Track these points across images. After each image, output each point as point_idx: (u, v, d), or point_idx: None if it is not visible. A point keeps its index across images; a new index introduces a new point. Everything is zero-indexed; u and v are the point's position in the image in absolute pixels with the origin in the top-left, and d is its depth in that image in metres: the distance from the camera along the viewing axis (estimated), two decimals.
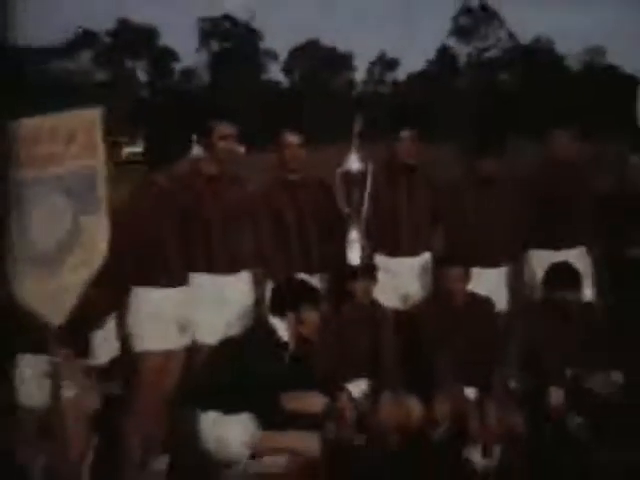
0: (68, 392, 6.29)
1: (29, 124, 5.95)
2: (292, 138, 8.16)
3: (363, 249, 7.87)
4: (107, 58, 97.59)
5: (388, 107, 53.01)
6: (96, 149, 6.13)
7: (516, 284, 8.77)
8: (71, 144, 6.10)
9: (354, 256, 7.76)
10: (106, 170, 6.28)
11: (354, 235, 7.72)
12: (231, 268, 7.68)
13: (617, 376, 8.02)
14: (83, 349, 6.92)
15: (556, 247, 8.56)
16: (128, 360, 7.32)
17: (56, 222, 6.00)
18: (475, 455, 7.39)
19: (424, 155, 8.57)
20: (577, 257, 8.49)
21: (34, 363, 6.38)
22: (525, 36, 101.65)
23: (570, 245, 8.60)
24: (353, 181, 7.52)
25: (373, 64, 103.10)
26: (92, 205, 6.09)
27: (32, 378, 6.45)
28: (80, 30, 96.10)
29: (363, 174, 7.55)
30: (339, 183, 7.58)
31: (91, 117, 6.21)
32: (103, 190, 6.16)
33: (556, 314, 8.16)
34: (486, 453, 7.41)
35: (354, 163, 7.48)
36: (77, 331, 6.50)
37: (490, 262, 8.39)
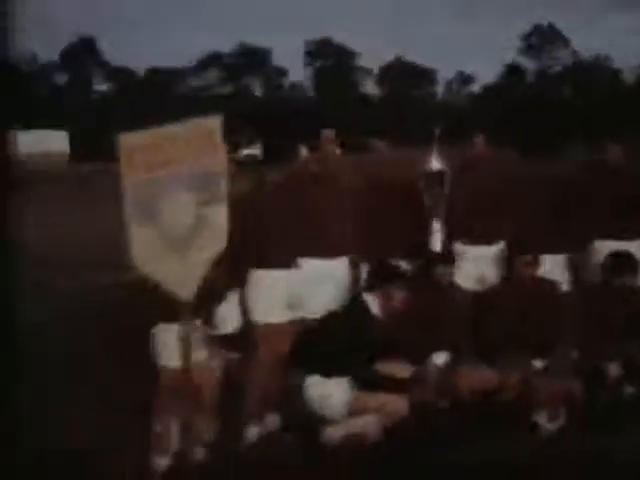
0: (198, 356, 6.62)
1: (160, 132, 6.31)
2: (379, 142, 8.34)
3: (443, 238, 8.19)
4: (229, 75, 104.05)
5: (464, 116, 52.40)
6: (217, 151, 6.47)
7: (583, 270, 8.90)
8: (196, 147, 6.37)
9: (436, 244, 8.09)
10: (226, 169, 6.53)
11: (436, 226, 8.03)
12: (334, 254, 7.90)
13: None
14: (209, 320, 7.15)
15: (619, 238, 8.61)
16: (248, 330, 7.60)
17: (183, 213, 6.27)
18: (542, 419, 7.52)
19: (496, 157, 8.87)
20: (637, 248, 8.57)
21: (170, 331, 6.52)
22: (586, 53, 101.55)
23: (631, 238, 8.66)
24: (434, 179, 7.70)
25: (451, 80, 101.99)
26: (214, 198, 6.39)
27: (170, 343, 6.62)
28: (208, 51, 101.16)
29: (443, 173, 7.67)
30: (423, 181, 7.65)
31: (213, 124, 6.51)
32: (224, 186, 6.46)
33: (615, 296, 8.27)
34: (552, 417, 7.52)
35: (435, 164, 7.65)
36: (203, 304, 6.72)
37: (557, 250, 8.50)
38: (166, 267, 6.23)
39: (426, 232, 8.06)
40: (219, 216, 6.46)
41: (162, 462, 6.78)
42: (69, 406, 8.05)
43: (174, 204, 6.23)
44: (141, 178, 6.12)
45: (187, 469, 6.47)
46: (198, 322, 6.91)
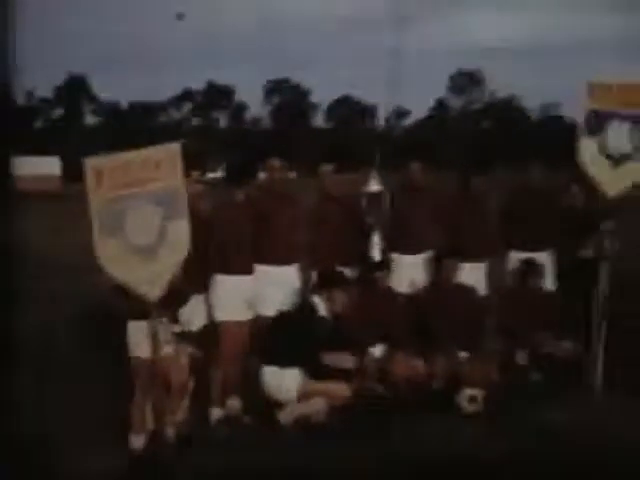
0: (166, 349, 6.91)
1: (125, 156, 6.79)
2: (327, 167, 8.72)
3: (381, 249, 8.49)
4: (199, 109, 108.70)
5: (401, 145, 53.08)
6: (177, 173, 6.81)
7: (499, 275, 9.28)
8: (158, 169, 6.77)
9: (375, 254, 8.40)
10: (185, 188, 6.86)
11: (375, 238, 8.38)
12: (286, 262, 8.15)
13: (570, 343, 8.63)
14: (175, 318, 7.37)
15: (529, 249, 9.00)
16: (212, 327, 7.87)
17: (147, 225, 6.66)
18: (464, 401, 7.87)
19: (429, 179, 9.03)
20: (544, 258, 9.02)
21: (142, 327, 6.75)
22: (501, 93, 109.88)
23: (539, 248, 9.05)
24: (373, 199, 8.04)
25: (390, 114, 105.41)
26: (176, 213, 6.74)
27: (141, 338, 6.84)
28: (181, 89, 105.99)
29: (381, 194, 7.98)
30: (364, 200, 7.96)
31: (173, 150, 6.90)
32: (184, 203, 6.81)
33: (524, 297, 8.80)
34: (472, 400, 7.86)
35: (374, 186, 7.95)
36: (170, 304, 7.03)
37: (477, 258, 8.82)
38: (133, 271, 6.61)
39: (367, 244, 8.36)
40: (181, 229, 6.78)
41: (137, 441, 6.99)
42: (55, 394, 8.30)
43: (139, 218, 6.62)
44: (108, 196, 6.58)
45: (159, 447, 6.73)
46: (165, 320, 7.09)
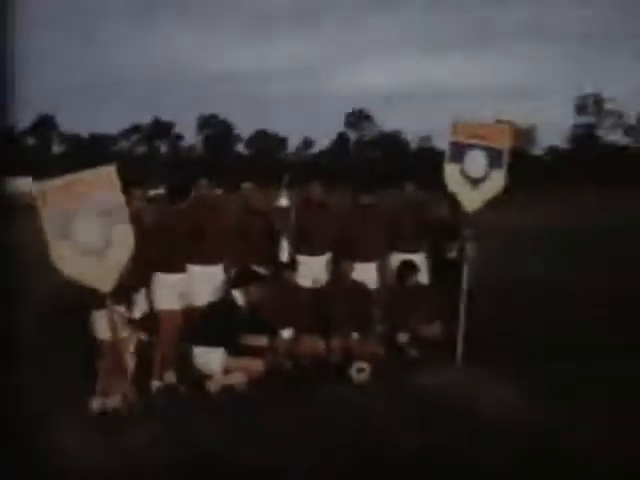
0: (123, 333, 7.48)
1: (70, 177, 7.24)
2: (247, 185, 9.35)
3: (289, 252, 8.91)
4: (145, 140, 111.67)
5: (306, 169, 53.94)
6: (116, 189, 7.25)
7: (383, 273, 9.57)
8: (98, 186, 7.19)
9: (284, 256, 8.85)
10: (124, 200, 7.28)
11: (284, 243, 8.81)
12: (213, 262, 8.58)
13: (439, 326, 9.18)
14: (130, 306, 7.96)
15: (407, 251, 9.47)
16: (153, 315, 8.26)
17: (94, 231, 7.10)
18: (354, 373, 8.23)
19: (327, 196, 9.53)
20: (419, 258, 9.53)
21: (102, 315, 7.33)
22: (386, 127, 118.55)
23: (415, 250, 9.50)
24: (282, 212, 8.31)
25: (299, 145, 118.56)
26: (119, 220, 7.20)
27: (102, 323, 7.42)
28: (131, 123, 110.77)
29: (288, 208, 8.24)
30: (275, 212, 8.20)
31: (110, 170, 7.35)
32: (125, 211, 7.27)
33: (403, 290, 9.28)
34: (360, 371, 8.23)
35: (283, 201, 8.21)
36: (123, 295, 7.62)
37: (369, 258, 9.29)
38: (83, 270, 7.10)
39: (277, 248, 8.85)
40: (125, 233, 7.26)
41: (96, 404, 7.38)
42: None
43: (86, 226, 7.09)
44: (56, 210, 7.05)
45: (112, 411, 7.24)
46: (121, 308, 7.71)
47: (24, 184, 70.89)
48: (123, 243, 7.23)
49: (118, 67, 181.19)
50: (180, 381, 8.14)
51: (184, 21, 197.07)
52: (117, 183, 7.28)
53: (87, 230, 7.07)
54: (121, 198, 7.29)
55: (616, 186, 64.95)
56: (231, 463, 6.09)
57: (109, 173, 7.34)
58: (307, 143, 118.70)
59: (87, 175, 7.31)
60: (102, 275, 7.14)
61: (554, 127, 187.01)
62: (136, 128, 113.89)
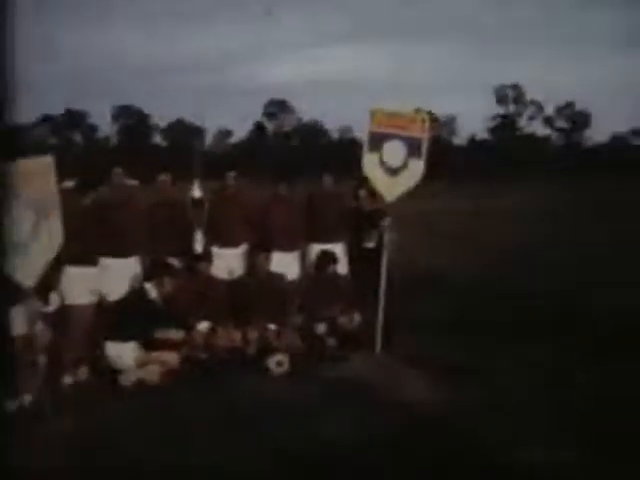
0: (36, 327, 7.21)
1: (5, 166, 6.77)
2: (162, 177, 8.99)
3: (204, 243, 8.84)
4: (60, 130, 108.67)
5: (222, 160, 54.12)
6: (50, 181, 6.98)
7: (303, 264, 9.57)
8: (32, 178, 6.80)
9: (198, 247, 8.80)
10: (57, 193, 7.05)
11: (198, 235, 8.74)
12: (126, 254, 8.40)
13: (358, 316, 9.08)
14: (46, 302, 7.67)
15: (324, 242, 9.33)
16: (64, 310, 7.98)
17: (25, 224, 6.71)
18: (272, 365, 8.20)
19: (242, 187, 9.35)
20: (338, 248, 9.43)
21: (20, 310, 7.04)
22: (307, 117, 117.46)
23: (334, 240, 9.40)
24: (196, 203, 8.16)
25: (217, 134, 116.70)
26: (49, 214, 6.90)
27: (20, 318, 7.11)
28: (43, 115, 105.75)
29: (202, 199, 8.14)
30: (188, 203, 8.09)
31: (47, 161, 7.08)
32: (57, 205, 7.00)
33: (322, 280, 9.16)
34: (279, 364, 8.20)
35: (197, 192, 8.09)
36: (43, 290, 7.41)
37: (288, 249, 9.22)
38: (8, 262, 6.54)
39: (191, 239, 8.64)
40: (53, 228, 6.98)
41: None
42: None
43: (16, 217, 6.58)
44: None
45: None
46: (40, 302, 7.47)
47: None
48: (51, 238, 6.96)
49: (29, 55, 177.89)
50: (93, 376, 7.90)
51: (101, 14, 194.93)
52: (53, 175, 6.99)
53: (15, 222, 6.58)
54: (55, 191, 7.01)
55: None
56: (147, 461, 5.86)
57: (46, 164, 7.04)
58: (224, 133, 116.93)
59: (23, 165, 6.84)
60: (26, 269, 6.80)
61: (474, 118, 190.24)
62: (48, 119, 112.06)
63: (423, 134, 8.97)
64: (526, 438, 6.22)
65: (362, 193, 9.62)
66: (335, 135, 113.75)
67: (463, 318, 10.10)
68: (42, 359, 7.36)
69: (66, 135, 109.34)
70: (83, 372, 7.98)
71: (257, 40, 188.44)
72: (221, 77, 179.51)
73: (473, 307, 10.80)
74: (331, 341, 8.95)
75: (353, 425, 6.64)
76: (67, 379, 7.87)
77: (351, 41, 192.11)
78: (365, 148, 8.88)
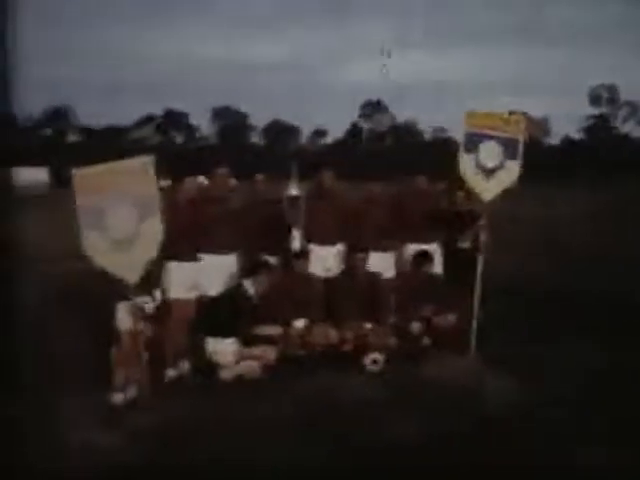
0: (141, 324, 7.41)
1: (106, 166, 7.13)
2: (260, 176, 9.28)
3: (301, 241, 8.88)
4: (161, 130, 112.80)
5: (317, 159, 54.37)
6: (150, 179, 7.21)
7: (398, 263, 9.46)
8: (134, 176, 7.10)
9: (295, 245, 8.83)
10: (157, 192, 7.27)
11: (295, 233, 8.81)
12: (224, 251, 8.52)
13: (452, 316, 9.02)
14: (153, 296, 7.87)
15: (419, 241, 9.37)
16: (166, 304, 8.14)
17: (126, 222, 7.03)
18: (368, 362, 8.29)
19: (340, 186, 9.52)
20: (433, 248, 9.43)
21: (125, 306, 7.42)
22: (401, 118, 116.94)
23: (429, 240, 9.39)
24: (293, 201, 8.24)
25: (311, 134, 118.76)
26: (150, 212, 7.15)
27: (124, 315, 7.49)
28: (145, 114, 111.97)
29: (299, 197, 8.26)
30: (286, 202, 8.10)
31: (147, 161, 7.29)
32: (157, 203, 7.24)
33: (419, 279, 9.12)
34: (374, 362, 8.27)
35: (293, 191, 8.12)
36: (149, 286, 7.67)
37: (383, 249, 9.23)
38: (112, 259, 7.03)
39: (288, 237, 8.87)
40: (155, 226, 7.21)
41: (117, 398, 7.31)
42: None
43: (119, 216, 6.99)
44: (91, 198, 6.91)
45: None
46: (148, 298, 7.71)
47: (39, 174, 73.02)
48: (153, 236, 7.21)
49: (132, 60, 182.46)
50: (193, 370, 8.08)
51: (198, 13, 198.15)
52: (153, 175, 7.25)
53: (119, 220, 7.01)
54: (155, 190, 7.26)
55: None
56: (244, 454, 6.02)
57: (145, 164, 7.27)
58: (320, 133, 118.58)
59: (123, 164, 7.24)
60: (130, 266, 7.12)
61: (567, 119, 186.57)
62: (149, 119, 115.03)
63: (519, 134, 8.95)
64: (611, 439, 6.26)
65: (458, 193, 9.62)
66: (428, 136, 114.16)
67: (552, 321, 9.86)
68: (145, 353, 7.53)
69: (167, 135, 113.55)
70: (185, 366, 8.13)
71: (352, 40, 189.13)
72: (316, 77, 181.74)
73: (562, 310, 10.43)
74: (425, 340, 8.95)
75: (442, 424, 6.60)
76: (170, 372, 8.03)
77: (443, 43, 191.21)
78: (461, 149, 8.87)
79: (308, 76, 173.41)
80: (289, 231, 8.82)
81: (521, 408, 7.07)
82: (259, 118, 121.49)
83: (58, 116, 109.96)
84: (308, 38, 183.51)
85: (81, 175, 7.03)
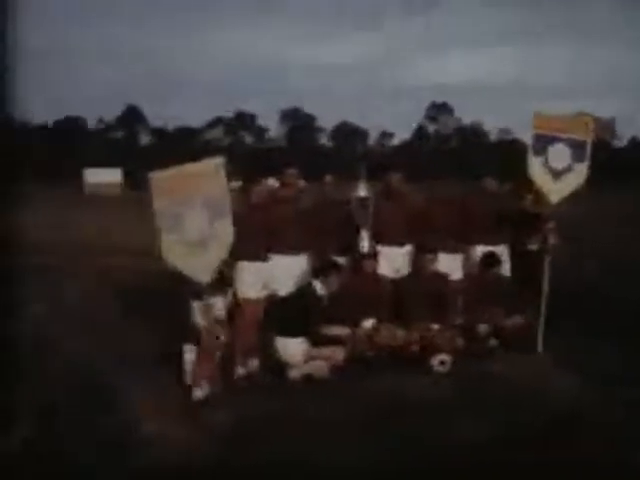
0: (214, 323, 7.62)
1: (180, 169, 7.33)
2: (329, 177, 9.34)
3: (370, 242, 8.78)
4: (232, 131, 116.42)
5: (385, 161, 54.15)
6: (221, 181, 7.37)
7: (466, 265, 9.45)
8: (206, 178, 7.27)
9: (364, 246, 8.72)
10: (228, 193, 7.41)
11: (364, 234, 8.69)
12: (294, 251, 8.62)
13: (520, 318, 9.06)
14: (227, 296, 8.08)
15: (487, 243, 9.31)
16: (236, 303, 8.32)
17: (199, 224, 7.22)
18: (435, 363, 8.31)
19: (407, 187, 9.47)
20: (500, 250, 9.38)
21: (200, 305, 7.61)
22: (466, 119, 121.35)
23: (496, 242, 9.34)
24: (361, 202, 8.22)
25: (378, 136, 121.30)
26: (222, 214, 7.31)
27: (197, 312, 7.72)
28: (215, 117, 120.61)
29: (367, 198, 8.34)
30: (354, 203, 8.13)
31: (218, 163, 7.45)
32: (228, 205, 7.40)
33: (486, 281, 9.11)
34: (442, 363, 8.31)
35: (362, 191, 8.13)
36: (222, 285, 7.87)
37: (451, 250, 9.21)
38: (187, 261, 7.24)
39: (357, 238, 8.77)
40: (226, 227, 7.38)
41: (199, 393, 7.44)
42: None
43: (193, 219, 7.19)
44: (167, 201, 7.13)
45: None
46: (220, 298, 7.88)
47: (112, 175, 74.86)
48: (224, 237, 7.37)
49: (199, 62, 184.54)
50: (262, 369, 8.23)
51: (262, 14, 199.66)
52: (223, 176, 7.41)
53: (193, 222, 7.19)
54: (226, 191, 7.43)
55: None
56: (311, 454, 6.04)
57: (216, 166, 7.44)
58: (386, 135, 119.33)
59: (195, 167, 7.44)
60: (203, 267, 7.30)
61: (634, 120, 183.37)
62: (219, 120, 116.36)
63: (587, 137, 9.01)
64: None
65: (526, 195, 9.66)
66: (493, 137, 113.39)
67: (618, 325, 9.69)
68: (218, 351, 7.74)
69: (236, 136, 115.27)
70: (254, 364, 8.29)
71: (417, 40, 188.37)
72: (380, 79, 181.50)
73: (628, 315, 10.30)
74: (493, 342, 8.99)
75: (510, 425, 6.59)
76: (240, 370, 8.19)
77: (508, 43, 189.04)
78: (530, 151, 8.86)
79: (374, 78, 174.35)
80: (358, 232, 8.73)
81: (588, 408, 7.00)
82: (327, 120, 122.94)
83: (129, 117, 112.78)
84: (373, 39, 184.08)
85: (157, 178, 7.23)
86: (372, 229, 8.89)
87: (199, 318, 7.73)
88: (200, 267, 7.29)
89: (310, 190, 9.69)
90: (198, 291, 7.48)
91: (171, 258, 7.24)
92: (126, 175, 72.34)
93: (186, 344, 7.83)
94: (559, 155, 8.87)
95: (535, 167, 8.86)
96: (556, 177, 8.87)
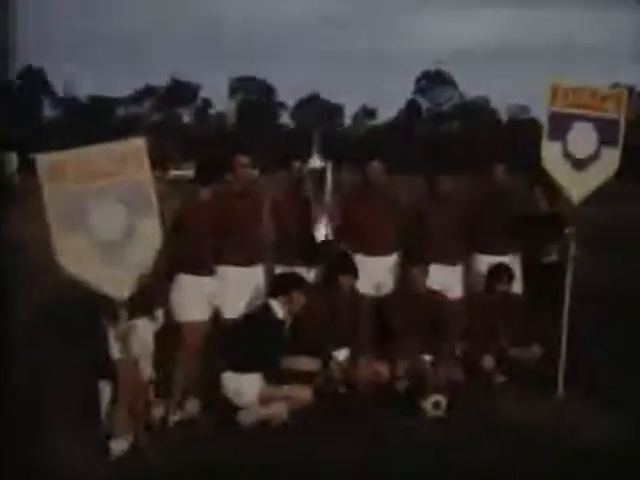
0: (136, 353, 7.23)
1: (86, 150, 6.97)
2: (297, 164, 8.99)
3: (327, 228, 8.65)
4: (161, 105, 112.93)
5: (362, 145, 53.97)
6: (143, 168, 7.02)
7: (467, 279, 9.40)
8: (122, 163, 6.96)
9: (320, 233, 8.63)
10: (153, 184, 7.03)
11: (318, 215, 8.60)
12: (248, 262, 8.44)
13: (537, 347, 8.89)
14: (152, 316, 7.67)
15: (493, 252, 9.19)
16: (172, 328, 7.96)
17: (113, 222, 6.85)
18: (428, 406, 8.03)
19: (392, 181, 9.31)
20: (510, 262, 9.16)
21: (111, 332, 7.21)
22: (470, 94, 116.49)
23: (505, 251, 9.23)
24: (315, 175, 8.53)
25: (357, 113, 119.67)
26: (144, 210, 6.94)
27: (112, 340, 7.22)
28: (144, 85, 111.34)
29: (324, 169, 8.62)
30: (306, 177, 8.66)
31: (138, 144, 7.12)
32: (153, 199, 7.02)
33: (493, 301, 9.00)
34: (436, 405, 8.02)
35: (317, 161, 8.70)
36: (144, 302, 7.30)
37: (448, 261, 9.07)
38: (96, 270, 6.79)
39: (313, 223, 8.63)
40: (150, 227, 6.96)
41: (117, 446, 7.16)
42: None
43: (104, 214, 6.82)
44: (64, 191, 6.74)
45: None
46: (144, 319, 7.46)
47: (7, 161, 71.64)
48: (148, 239, 6.93)
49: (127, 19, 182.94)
50: (204, 409, 7.91)
51: None
52: (146, 162, 6.98)
53: (103, 219, 6.77)
54: (150, 181, 6.98)
55: None
56: None
57: (136, 148, 7.03)
58: (367, 112, 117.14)
59: (107, 149, 6.98)
60: (118, 278, 6.81)
61: None
62: (150, 91, 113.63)
63: (620, 115, 8.59)
64: None
65: (539, 192, 9.36)
66: (503, 115, 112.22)
67: None
68: (142, 391, 7.39)
69: (172, 110, 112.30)
70: (194, 407, 7.91)
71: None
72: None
73: None
74: (500, 378, 8.72)
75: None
76: (173, 416, 7.80)
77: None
78: (544, 134, 8.45)
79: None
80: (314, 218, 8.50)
81: (619, 460, 6.84)
82: (289, 93, 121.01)
83: (30, 84, 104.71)
84: None
85: (50, 162, 6.77)
86: (347, 233, 8.71)
87: (114, 348, 7.18)
88: (113, 278, 6.79)
89: (268, 183, 9.56)
90: (113, 311, 6.91)
91: (71, 265, 6.70)
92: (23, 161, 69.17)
93: (102, 381, 7.49)
94: (583, 139, 8.45)
95: (551, 155, 8.43)
96: (579, 167, 8.47)
